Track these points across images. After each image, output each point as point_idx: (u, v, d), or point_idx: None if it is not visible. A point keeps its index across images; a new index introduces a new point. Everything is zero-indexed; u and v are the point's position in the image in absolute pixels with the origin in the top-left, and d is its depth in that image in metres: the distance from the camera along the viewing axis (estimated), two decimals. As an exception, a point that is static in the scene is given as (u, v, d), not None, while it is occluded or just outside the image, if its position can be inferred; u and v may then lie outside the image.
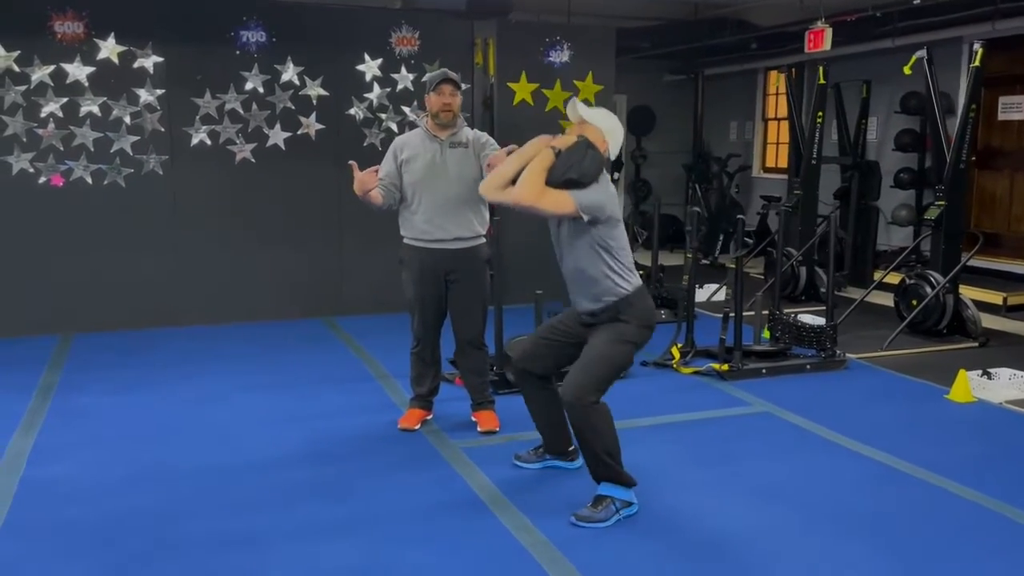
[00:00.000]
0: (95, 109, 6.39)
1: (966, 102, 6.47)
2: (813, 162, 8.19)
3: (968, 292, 6.81)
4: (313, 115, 6.94)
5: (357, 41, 7.01)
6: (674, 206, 11.28)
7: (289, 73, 6.83)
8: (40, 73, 6.23)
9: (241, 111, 6.74)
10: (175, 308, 6.69)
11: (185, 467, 3.97)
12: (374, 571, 3.06)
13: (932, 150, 7.52)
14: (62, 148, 6.35)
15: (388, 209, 4.28)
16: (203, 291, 6.76)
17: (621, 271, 3.44)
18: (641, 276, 3.67)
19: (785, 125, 10.64)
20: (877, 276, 7.57)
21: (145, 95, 6.50)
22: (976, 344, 6.35)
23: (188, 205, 6.68)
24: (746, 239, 7.88)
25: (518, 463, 3.97)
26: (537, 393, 3.77)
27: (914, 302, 6.53)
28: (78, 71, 6.31)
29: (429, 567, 3.08)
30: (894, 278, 7.14)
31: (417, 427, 4.46)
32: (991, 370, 5.37)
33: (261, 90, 6.77)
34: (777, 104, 11.19)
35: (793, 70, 9.21)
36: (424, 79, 4.80)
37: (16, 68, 6.18)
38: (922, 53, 6.68)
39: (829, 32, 7.21)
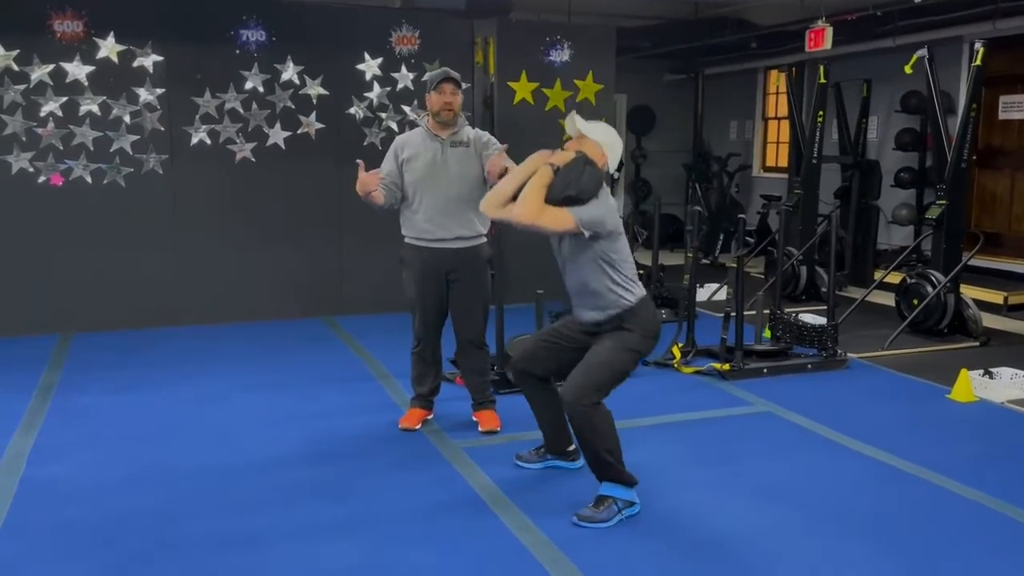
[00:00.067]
0: (95, 108, 6.38)
1: (967, 101, 6.46)
2: (814, 161, 8.18)
3: (969, 291, 6.80)
4: (313, 114, 6.93)
5: (357, 40, 7.01)
6: (674, 205, 11.27)
7: (289, 72, 6.82)
8: (39, 72, 6.22)
9: (241, 110, 6.73)
10: (175, 308, 6.69)
11: (185, 467, 3.96)
12: (374, 571, 3.05)
13: (933, 149, 7.53)
14: (62, 147, 6.34)
15: (389, 208, 4.28)
16: (203, 291, 6.75)
17: (625, 283, 3.45)
18: (641, 276, 3.67)
19: (785, 124, 10.64)
20: (878, 275, 7.57)
21: (145, 94, 6.49)
22: (977, 344, 6.34)
23: (188, 204, 6.68)
24: (747, 238, 7.88)
25: (519, 463, 3.96)
26: (536, 393, 3.77)
27: (915, 301, 6.53)
28: (78, 70, 6.30)
29: (430, 567, 3.07)
30: (895, 277, 7.14)
31: (418, 427, 4.45)
32: (992, 369, 5.37)
33: (261, 89, 6.76)
34: (777, 103, 11.18)
35: (793, 69, 9.20)
36: (424, 78, 4.80)
37: (15, 67, 6.17)
38: (923, 52, 6.67)
39: (830, 31, 7.20)
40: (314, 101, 6.92)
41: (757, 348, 5.81)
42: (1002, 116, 8.33)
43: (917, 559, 3.16)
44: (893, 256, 7.98)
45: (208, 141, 6.69)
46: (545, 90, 7.52)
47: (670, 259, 9.34)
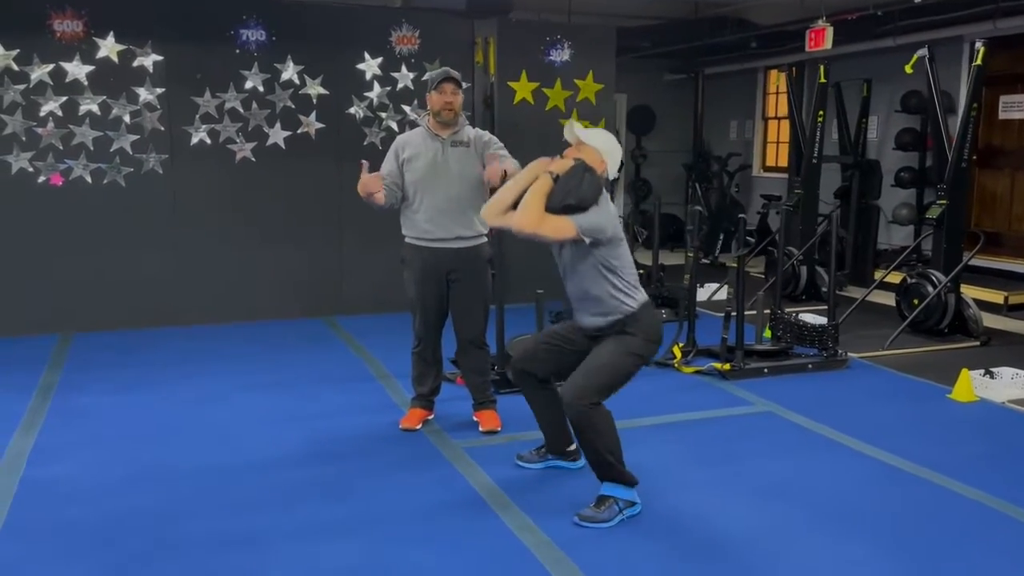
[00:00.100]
0: (94, 108, 6.38)
1: (967, 101, 6.46)
2: (814, 161, 8.18)
3: (969, 291, 6.80)
4: (313, 114, 6.92)
5: (357, 40, 7.00)
6: (674, 205, 11.27)
7: (289, 72, 6.82)
8: (39, 72, 6.22)
9: (241, 110, 6.73)
10: (175, 307, 6.68)
11: (185, 467, 3.96)
12: (375, 571, 3.05)
13: (933, 149, 7.54)
14: (61, 147, 6.34)
15: (390, 208, 4.27)
16: (203, 290, 6.75)
17: (626, 289, 3.45)
18: (641, 276, 3.67)
19: (785, 124, 10.64)
20: (878, 275, 7.57)
21: (145, 94, 6.48)
22: (978, 343, 6.34)
23: (188, 204, 6.67)
24: (747, 238, 7.87)
25: (520, 463, 3.96)
26: (536, 393, 3.77)
27: (915, 301, 6.52)
28: (77, 70, 6.30)
29: (430, 567, 3.07)
30: (895, 277, 7.14)
31: (418, 427, 4.44)
32: (993, 369, 5.36)
33: (261, 89, 6.76)
34: (777, 103, 11.18)
35: (794, 69, 9.20)
36: (425, 78, 4.80)
37: (15, 67, 6.17)
38: (923, 52, 6.67)
39: (830, 31, 7.20)
40: (314, 101, 6.92)
41: (758, 348, 5.81)
42: (1002, 116, 8.32)
43: (918, 559, 3.16)
44: (893, 256, 7.98)
45: (208, 141, 6.68)
46: (545, 90, 7.52)
47: (670, 259, 9.34)
